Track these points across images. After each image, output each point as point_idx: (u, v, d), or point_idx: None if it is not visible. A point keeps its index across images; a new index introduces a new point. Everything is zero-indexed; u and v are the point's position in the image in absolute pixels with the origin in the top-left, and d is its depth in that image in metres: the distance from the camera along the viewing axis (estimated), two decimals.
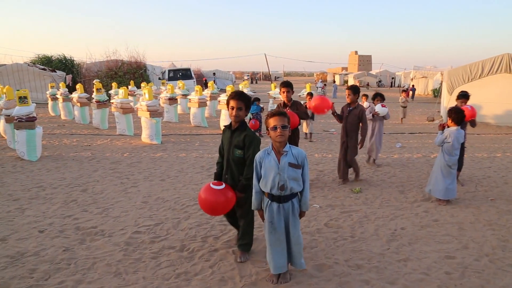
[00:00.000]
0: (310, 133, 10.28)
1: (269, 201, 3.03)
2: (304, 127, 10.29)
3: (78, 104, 13.00)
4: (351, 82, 47.00)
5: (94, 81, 17.73)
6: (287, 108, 5.31)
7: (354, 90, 5.81)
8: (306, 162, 3.02)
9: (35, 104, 8.18)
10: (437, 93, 22.39)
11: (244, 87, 14.77)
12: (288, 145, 2.99)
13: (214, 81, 25.41)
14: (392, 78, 45.63)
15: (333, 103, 5.94)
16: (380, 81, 44.77)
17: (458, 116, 5.03)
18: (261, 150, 3.09)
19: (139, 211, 4.83)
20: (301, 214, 3.13)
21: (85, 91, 14.03)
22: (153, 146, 9.25)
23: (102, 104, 11.95)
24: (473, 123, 6.09)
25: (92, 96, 12.38)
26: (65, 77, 21.50)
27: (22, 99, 7.68)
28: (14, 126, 7.74)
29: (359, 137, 5.92)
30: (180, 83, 16.27)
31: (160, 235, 4.12)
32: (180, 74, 26.20)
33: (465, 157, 6.69)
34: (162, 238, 4.03)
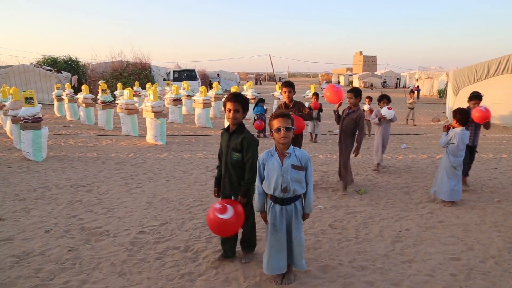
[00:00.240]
0: (315, 135, 10.20)
1: (272, 203, 3.02)
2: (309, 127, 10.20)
3: (84, 105, 13.08)
4: (355, 82, 46.91)
5: (99, 82, 17.83)
6: (292, 111, 5.11)
7: (356, 93, 5.54)
8: (310, 164, 3.00)
9: (41, 105, 8.24)
10: (442, 93, 22.28)
11: (249, 88, 14.77)
12: (291, 146, 2.98)
13: (218, 81, 25.45)
14: (397, 78, 45.48)
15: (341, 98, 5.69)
16: (385, 82, 44.63)
17: (463, 117, 5.00)
18: (264, 151, 3.08)
19: (143, 212, 4.85)
20: (305, 216, 3.11)
21: (91, 92, 14.11)
22: (158, 146, 9.28)
23: (107, 105, 12.01)
24: (487, 125, 5.69)
25: (98, 97, 12.45)
26: (71, 78, 21.66)
27: (28, 100, 7.74)
28: (20, 127, 7.80)
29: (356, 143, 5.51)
30: (184, 84, 16.31)
31: (164, 235, 4.13)
32: (185, 75, 26.27)
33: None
34: (167, 239, 4.04)
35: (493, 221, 4.58)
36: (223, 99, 3.44)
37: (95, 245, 3.88)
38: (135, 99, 12.13)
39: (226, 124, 3.69)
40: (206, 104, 12.42)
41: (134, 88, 17.58)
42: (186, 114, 15.50)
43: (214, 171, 6.84)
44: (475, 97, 5.84)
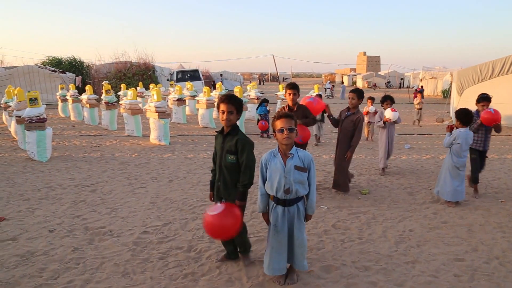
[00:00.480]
0: (319, 136, 10.08)
1: (274, 204, 3.02)
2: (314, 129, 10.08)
3: (88, 105, 13.15)
4: (359, 83, 46.82)
5: (103, 83, 17.90)
6: (296, 115, 4.96)
7: (359, 94, 5.34)
8: (313, 165, 2.99)
9: (45, 106, 8.29)
10: (446, 94, 22.19)
11: (252, 88, 14.78)
12: (294, 147, 2.97)
13: (221, 81, 25.49)
14: (401, 79, 45.36)
15: (327, 104, 5.55)
16: (388, 82, 44.52)
17: (466, 117, 4.98)
18: (267, 152, 3.08)
19: (147, 212, 4.86)
20: (307, 217, 3.10)
21: (95, 92, 14.19)
22: (161, 147, 9.30)
23: (111, 105, 12.06)
24: (498, 128, 5.37)
25: (101, 97, 12.50)
26: (75, 79, 21.76)
27: (33, 101, 7.78)
28: (24, 127, 7.85)
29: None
30: (188, 84, 16.34)
31: (167, 235, 4.14)
32: (188, 75, 26.32)
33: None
34: (170, 239, 4.05)
35: (498, 222, 4.55)
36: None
37: (98, 245, 3.90)
38: (139, 99, 12.16)
39: None
40: (210, 105, 12.44)
41: (138, 88, 17.63)
42: (190, 115, 15.54)
43: None
44: (484, 99, 5.50)
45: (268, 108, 10.96)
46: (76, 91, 15.04)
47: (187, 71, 27.24)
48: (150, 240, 4.01)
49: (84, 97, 13.36)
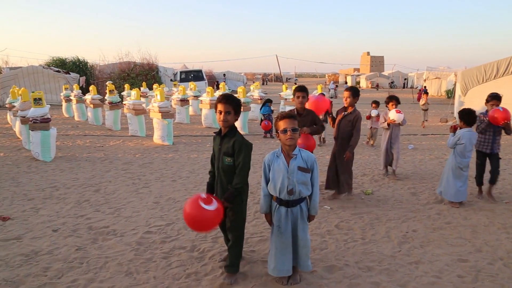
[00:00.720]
0: (323, 138, 9.95)
1: (277, 205, 3.01)
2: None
3: (91, 105, 13.20)
4: (363, 83, 46.72)
5: (107, 83, 17.97)
6: (305, 120, 4.66)
7: (354, 92, 5.12)
8: (316, 165, 2.98)
9: (49, 106, 8.32)
10: (450, 94, 22.08)
11: (256, 88, 14.78)
12: (297, 148, 2.97)
13: (224, 82, 25.51)
14: (405, 79, 45.20)
15: (331, 101, 5.51)
16: (392, 82, 44.39)
17: (470, 117, 4.96)
18: (270, 152, 3.08)
19: (150, 212, 4.87)
20: (310, 218, 3.10)
21: (98, 92, 14.22)
22: (164, 147, 9.32)
23: (114, 105, 12.10)
24: (508, 128, 5.08)
25: (105, 97, 12.55)
26: (79, 79, 21.86)
27: (37, 101, 7.82)
28: (29, 127, 7.89)
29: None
30: (191, 84, 16.37)
31: (171, 235, 4.15)
32: (192, 75, 26.38)
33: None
34: (173, 238, 4.06)
35: (502, 222, 4.53)
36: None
37: (102, 245, 3.91)
38: (142, 99, 12.19)
39: None
40: (213, 105, 12.45)
41: (141, 88, 17.68)
42: (193, 115, 15.56)
43: None
44: (494, 97, 5.26)
45: (271, 108, 10.96)
46: (80, 91, 15.12)
47: (190, 71, 27.30)
48: (154, 240, 4.02)
49: (88, 97, 13.42)
